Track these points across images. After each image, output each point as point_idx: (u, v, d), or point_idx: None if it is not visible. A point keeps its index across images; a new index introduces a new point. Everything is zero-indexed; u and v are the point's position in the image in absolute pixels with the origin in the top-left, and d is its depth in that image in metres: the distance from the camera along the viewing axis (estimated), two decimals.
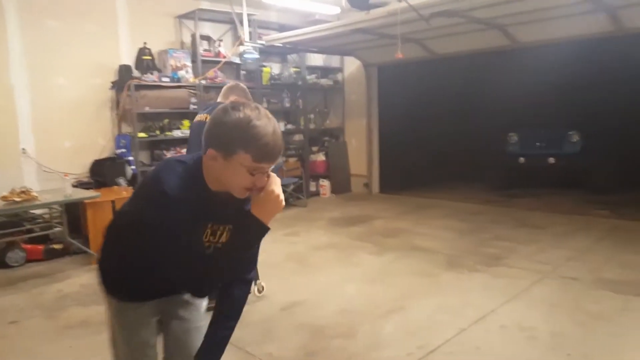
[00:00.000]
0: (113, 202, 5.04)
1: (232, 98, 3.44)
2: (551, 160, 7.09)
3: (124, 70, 6.04)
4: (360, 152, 8.48)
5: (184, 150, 5.77)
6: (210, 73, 6.67)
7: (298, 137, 8.25)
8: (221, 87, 3.65)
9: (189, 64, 6.53)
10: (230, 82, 3.77)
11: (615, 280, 3.94)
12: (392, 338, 3.15)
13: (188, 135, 3.96)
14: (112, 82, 6.10)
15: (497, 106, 8.13)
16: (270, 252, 5.17)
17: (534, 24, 5.74)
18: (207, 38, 6.92)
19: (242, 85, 3.57)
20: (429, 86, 8.29)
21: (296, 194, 7.66)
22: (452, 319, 3.37)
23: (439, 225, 6.02)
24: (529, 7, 4.98)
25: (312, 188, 8.38)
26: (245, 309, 1.75)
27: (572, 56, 6.71)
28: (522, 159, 7.41)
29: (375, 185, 8.43)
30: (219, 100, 3.56)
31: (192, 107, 6.40)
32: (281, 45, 6.82)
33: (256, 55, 6.32)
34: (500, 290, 3.83)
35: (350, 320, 3.43)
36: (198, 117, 3.55)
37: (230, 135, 1.37)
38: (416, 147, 8.50)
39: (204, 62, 6.70)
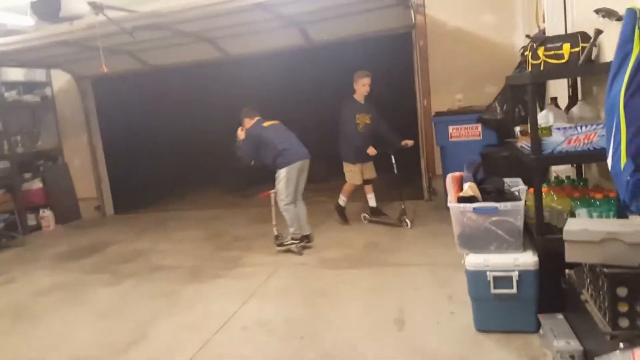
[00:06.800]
0: None
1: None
2: None
3: None
4: (86, 172, 7.70)
5: None
6: None
7: (3, 165, 6.98)
8: None
9: None
10: None
11: (332, 259, 4.61)
12: None
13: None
14: None
15: (218, 113, 8.46)
16: None
17: (240, 37, 6.16)
18: None
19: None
20: (150, 97, 8.12)
21: (9, 233, 6.46)
22: (196, 333, 3.38)
23: (179, 238, 5.97)
24: (229, 22, 5.28)
25: (32, 222, 7.22)
26: None
27: (274, 66, 7.52)
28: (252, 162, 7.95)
29: (109, 207, 7.81)
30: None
31: None
32: None
33: None
34: (240, 292, 4.01)
35: None
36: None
37: None
38: (147, 160, 8.21)
39: None
